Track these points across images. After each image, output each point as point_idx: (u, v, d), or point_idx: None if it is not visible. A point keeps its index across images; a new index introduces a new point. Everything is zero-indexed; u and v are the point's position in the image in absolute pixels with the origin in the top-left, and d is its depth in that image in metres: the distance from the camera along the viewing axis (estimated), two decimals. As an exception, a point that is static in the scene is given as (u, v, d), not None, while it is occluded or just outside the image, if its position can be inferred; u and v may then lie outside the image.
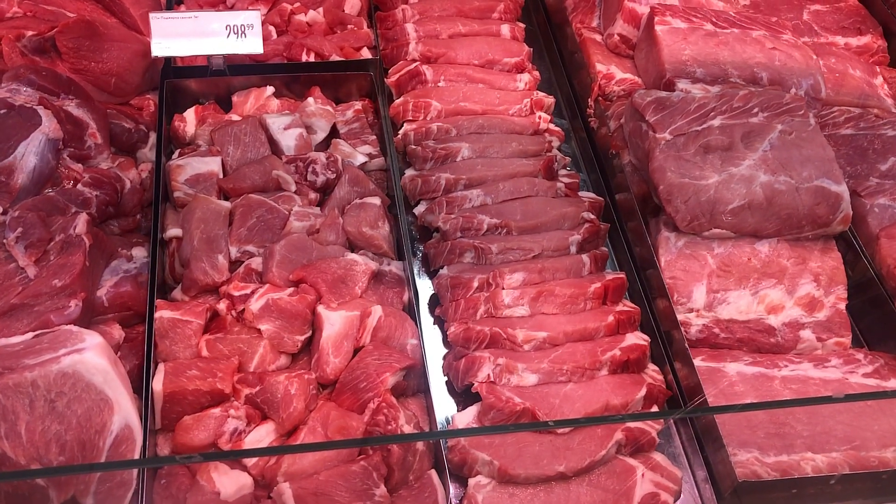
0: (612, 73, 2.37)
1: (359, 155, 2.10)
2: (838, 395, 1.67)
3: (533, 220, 2.05)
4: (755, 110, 2.08)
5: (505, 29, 2.54)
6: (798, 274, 1.97)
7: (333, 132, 2.19)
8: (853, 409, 1.75)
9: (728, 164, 1.99)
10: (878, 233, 2.02)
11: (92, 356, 1.46)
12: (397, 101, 2.34)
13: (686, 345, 1.79)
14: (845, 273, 1.99)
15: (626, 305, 1.95)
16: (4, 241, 1.64)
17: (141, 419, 1.52)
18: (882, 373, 1.84)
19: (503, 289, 1.89)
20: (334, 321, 1.72)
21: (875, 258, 2.01)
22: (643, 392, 1.76)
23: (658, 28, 2.28)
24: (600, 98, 2.34)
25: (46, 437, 1.41)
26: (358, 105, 2.23)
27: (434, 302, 2.01)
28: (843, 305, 1.95)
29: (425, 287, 2.04)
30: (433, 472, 1.60)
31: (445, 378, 1.88)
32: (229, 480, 1.51)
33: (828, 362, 1.85)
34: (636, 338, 1.86)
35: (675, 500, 1.68)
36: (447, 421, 1.78)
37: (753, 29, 2.35)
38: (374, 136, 2.18)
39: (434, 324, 1.98)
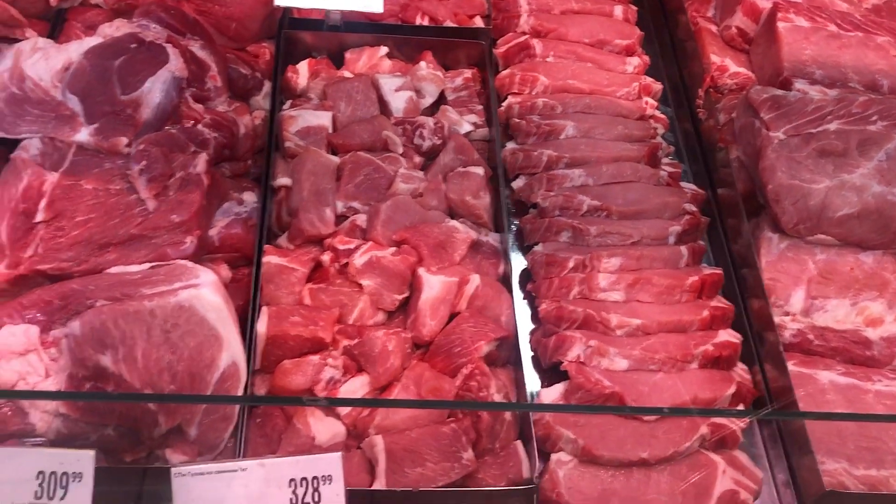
0: (727, 65, 2.33)
1: (465, 123, 2.11)
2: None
3: (634, 207, 2.04)
4: (874, 118, 2.03)
5: (618, 10, 2.51)
6: (901, 289, 1.93)
7: (441, 98, 2.20)
8: (947, 432, 1.72)
9: (840, 171, 1.95)
10: None
11: (207, 292, 1.52)
12: (504, 73, 2.33)
13: (780, 347, 1.77)
14: (949, 293, 1.95)
15: (720, 302, 1.93)
16: (128, 172, 1.69)
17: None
18: (980, 398, 1.80)
19: (600, 272, 1.89)
20: (433, 284, 1.74)
21: (983, 282, 1.95)
22: (732, 389, 1.75)
23: (780, 25, 2.23)
24: (711, 90, 2.31)
25: (160, 365, 1.47)
26: (468, 73, 2.24)
27: (525, 277, 2.02)
28: (944, 326, 1.91)
29: (518, 261, 2.05)
30: (519, 443, 1.63)
31: (531, 353, 1.89)
32: (324, 427, 1.55)
33: (924, 382, 1.82)
34: (729, 335, 1.85)
35: (754, 500, 1.68)
36: (531, 396, 1.79)
37: (878, 35, 2.28)
38: (481, 107, 2.18)
39: (524, 299, 1.99)
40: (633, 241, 1.98)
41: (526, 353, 1.89)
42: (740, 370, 1.85)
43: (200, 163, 1.73)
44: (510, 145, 2.21)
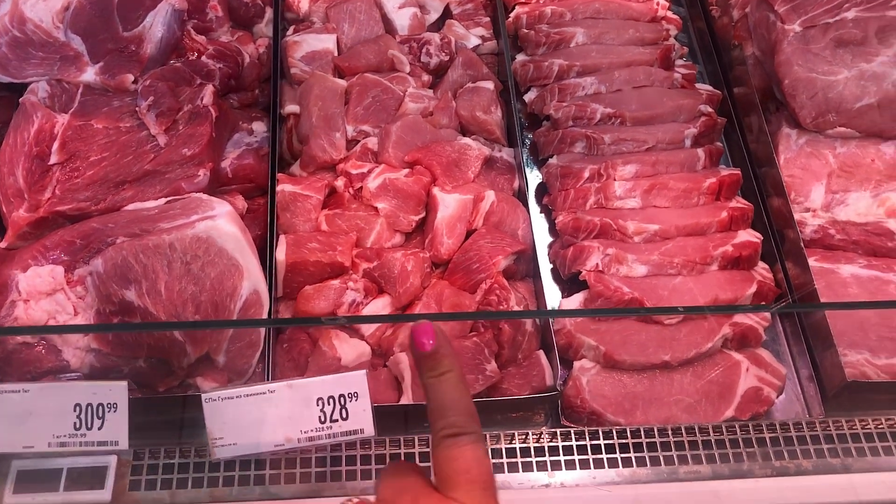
0: (739, -42, 2.24)
1: (472, 37, 2.07)
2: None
3: (648, 111, 2.00)
4: (893, 2, 1.96)
5: None
6: (924, 178, 1.90)
7: (447, 13, 2.16)
8: (971, 318, 1.71)
9: (859, 60, 1.90)
10: None
11: (224, 223, 1.53)
12: (510, -17, 2.28)
13: (801, 244, 1.76)
14: (974, 180, 1.91)
15: (739, 202, 1.91)
16: (137, 108, 1.69)
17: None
18: None
19: (615, 180, 1.87)
20: (449, 203, 1.74)
21: None
22: (753, 289, 1.75)
23: None
24: (724, -15, 2.23)
25: (183, 296, 1.50)
26: (473, -16, 2.19)
27: (541, 190, 2.01)
28: (968, 213, 1.88)
29: (533, 175, 2.04)
30: (541, 353, 1.65)
31: (551, 266, 1.90)
32: (349, 347, 1.58)
33: (947, 270, 1.81)
34: (749, 235, 1.84)
35: (777, 396, 1.69)
36: (552, 308, 1.81)
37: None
38: (488, 19, 2.14)
39: (541, 212, 1.98)
40: (649, 146, 1.96)
41: (545, 266, 1.90)
42: (762, 269, 1.84)
43: (207, 95, 1.72)
44: (520, 57, 2.17)
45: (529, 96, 2.10)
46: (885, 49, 1.91)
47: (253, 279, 1.55)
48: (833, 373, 1.64)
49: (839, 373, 1.62)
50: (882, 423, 1.62)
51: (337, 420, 1.35)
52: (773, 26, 1.97)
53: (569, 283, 1.85)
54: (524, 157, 2.05)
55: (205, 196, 1.61)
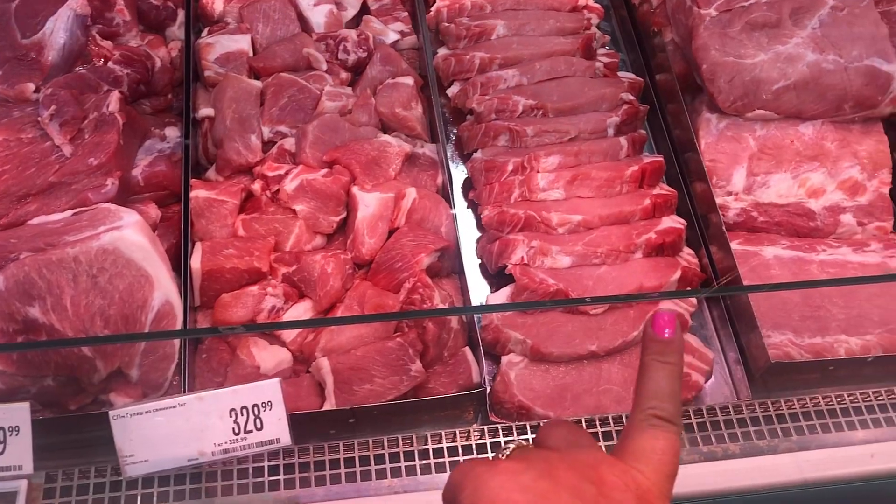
0: (656, -55, 2.25)
1: (390, 32, 2.04)
2: (870, 276, 1.65)
3: (570, 102, 1.99)
4: (807, -16, 1.98)
5: None
6: (841, 157, 1.91)
7: (364, 9, 2.12)
8: (890, 293, 1.73)
9: (775, 42, 1.91)
10: (929, 115, 1.95)
11: (130, 233, 1.48)
12: (430, -24, 2.25)
13: (723, 228, 1.77)
14: (891, 157, 1.94)
15: (662, 189, 1.92)
16: (39, 118, 1.63)
17: (180, 297, 1.55)
18: (923, 258, 1.81)
19: (538, 172, 1.86)
20: (369, 202, 1.71)
21: (924, 141, 1.94)
22: (677, 274, 1.75)
23: None
24: (643, -28, 2.23)
25: (91, 311, 1.45)
26: (390, -20, 2.16)
27: (467, 186, 1.99)
28: (886, 190, 1.91)
29: (460, 171, 2.02)
30: (467, 349, 1.63)
31: (479, 261, 1.88)
32: (268, 355, 1.55)
33: (867, 247, 1.83)
34: (672, 221, 1.84)
35: (706, 381, 1.70)
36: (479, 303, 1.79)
37: None
38: (406, 13, 2.11)
39: (468, 207, 1.96)
40: (571, 136, 1.95)
41: (473, 262, 1.88)
42: (687, 255, 1.85)
43: (113, 101, 1.67)
44: (442, 51, 2.14)
45: (452, 90, 2.08)
46: (800, 31, 1.92)
47: (164, 289, 1.50)
48: (758, 355, 1.65)
49: (763, 355, 1.62)
50: (807, 403, 1.63)
51: (251, 430, 1.31)
52: (689, 12, 1.98)
53: (496, 278, 1.83)
54: (448, 153, 2.04)
55: (112, 206, 1.56)
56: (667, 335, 0.90)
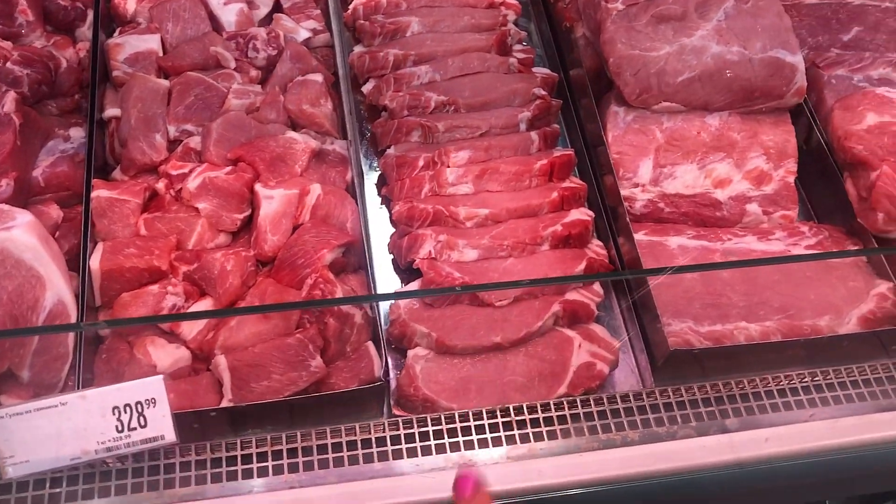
0: (570, -59, 2.27)
1: (301, 30, 2.04)
2: (759, 259, 1.68)
3: (482, 97, 2.01)
4: (712, -23, 2.00)
5: None
6: (748, 147, 1.94)
7: (278, 7, 2.12)
8: (791, 280, 1.76)
9: (680, 35, 1.93)
10: (833, 104, 1.98)
11: (20, 233, 1.47)
12: (348, -25, 2.26)
13: (628, 219, 1.79)
14: (797, 146, 1.97)
15: (572, 182, 1.93)
16: (-69, 120, 1.62)
17: (77, 297, 1.54)
18: (825, 245, 1.84)
19: (448, 167, 1.87)
20: (272, 199, 1.71)
21: (827, 130, 1.97)
22: (583, 266, 1.77)
23: None
24: (557, -32, 2.25)
25: (-21, 312, 1.43)
26: (303, -23, 2.16)
27: (383, 182, 1.99)
28: (791, 179, 1.94)
29: (376, 167, 2.02)
30: (370, 344, 1.63)
31: (392, 257, 1.89)
32: (165, 353, 1.54)
33: (772, 235, 1.85)
34: (580, 213, 1.86)
35: (610, 370, 1.71)
36: (389, 297, 1.80)
37: None
38: (319, 11, 2.11)
39: (381, 204, 1.97)
40: (482, 132, 1.96)
41: (386, 259, 1.88)
42: (595, 246, 1.86)
43: (9, 102, 1.65)
44: (357, 49, 2.15)
45: (367, 88, 2.08)
46: (705, 23, 1.95)
47: (56, 289, 1.49)
48: (659, 343, 1.67)
49: (663, 342, 1.64)
50: (708, 390, 1.65)
51: (135, 428, 1.31)
52: (598, 6, 2.00)
53: (409, 274, 1.84)
54: (363, 150, 2.05)
55: (6, 207, 1.54)
56: (469, 494, 0.95)
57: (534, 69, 2.15)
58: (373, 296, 1.66)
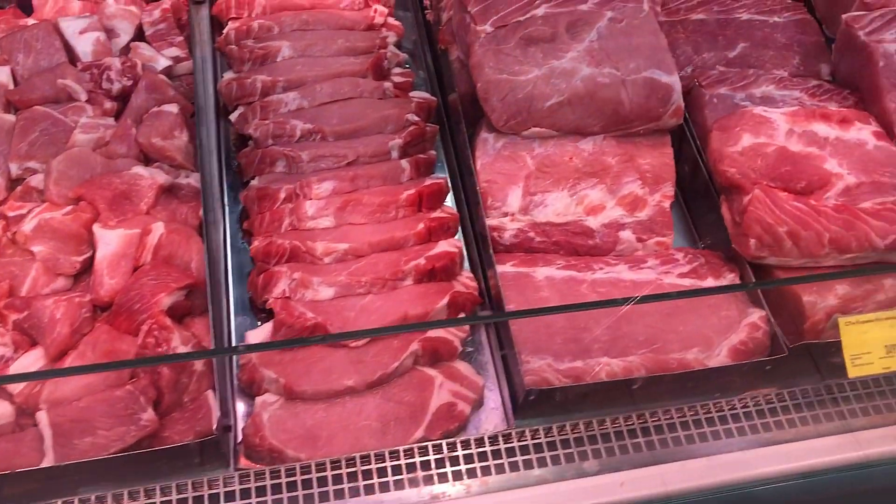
0: (449, -41, 2.20)
1: (161, 58, 1.96)
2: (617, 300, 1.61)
3: (350, 125, 1.93)
4: (584, -4, 1.94)
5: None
6: (623, 172, 1.88)
7: (140, 35, 2.04)
8: (659, 311, 1.70)
9: (550, 58, 1.87)
10: (712, 125, 1.92)
11: None
12: (222, -1, 2.18)
13: (490, 251, 1.72)
14: (675, 169, 1.91)
15: (444, 212, 1.86)
16: None
17: None
18: (700, 272, 1.78)
19: (310, 199, 1.80)
20: (110, 240, 1.63)
21: (706, 152, 1.91)
22: (445, 301, 1.69)
23: None
24: (436, -12, 2.19)
25: None
26: (166, 3, 2.07)
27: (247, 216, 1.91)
28: (667, 203, 1.88)
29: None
30: (209, 393, 1.55)
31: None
32: (-17, 410, 1.45)
33: (644, 263, 1.79)
34: (447, 245, 1.78)
35: (473, 409, 1.64)
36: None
37: None
38: (182, 38, 2.03)
39: (243, 238, 1.89)
40: (349, 161, 1.89)
41: (245, 298, 1.80)
42: (465, 278, 1.79)
43: None
44: (227, 75, 2.07)
45: (234, 116, 2.00)
46: (577, 44, 1.89)
47: None
48: (518, 381, 1.60)
49: (522, 381, 1.57)
50: (567, 430, 1.58)
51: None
52: (468, 28, 1.93)
53: (269, 314, 1.75)
54: (226, 182, 1.96)
55: None
56: None
57: (412, 93, 2.08)
58: (198, 353, 1.57)
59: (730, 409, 1.68)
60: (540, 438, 1.57)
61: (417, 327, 1.62)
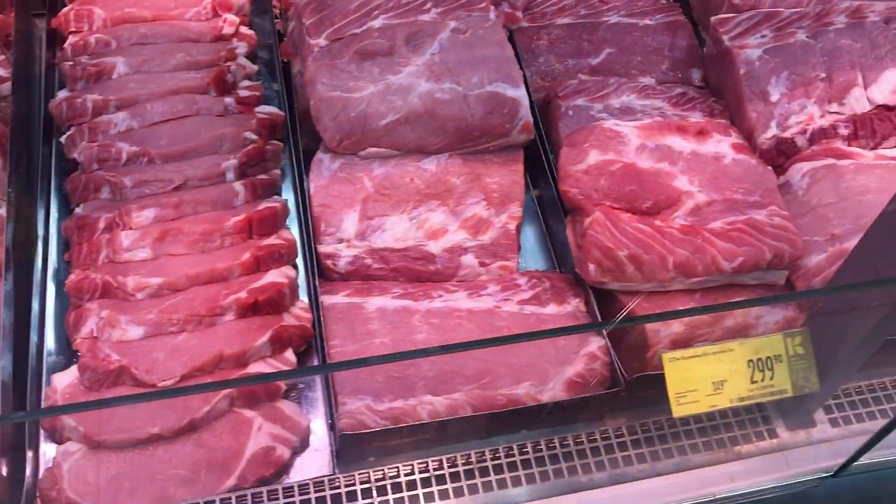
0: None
1: (-25, 80, 1.84)
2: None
3: (180, 146, 1.82)
4: (427, 5, 1.84)
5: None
6: (467, 192, 1.78)
7: (-39, 54, 1.92)
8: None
9: (387, 73, 1.77)
10: (563, 140, 1.83)
11: None
12: (61, 11, 2.05)
13: (316, 281, 1.62)
14: (526, 188, 1.82)
15: (278, 238, 1.75)
16: None
17: None
18: (542, 297, 1.69)
19: (129, 229, 1.69)
20: None
21: (556, 167, 1.82)
22: (266, 337, 1.59)
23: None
24: (287, -5, 2.07)
25: None
26: (-11, 20, 1.95)
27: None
28: (513, 225, 1.78)
29: (69, 227, 1.83)
30: (-8, 448, 1.44)
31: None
32: None
33: (484, 290, 1.70)
34: (276, 275, 1.68)
35: (295, 453, 1.55)
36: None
37: None
38: (5, 57, 1.91)
39: (65, 270, 1.77)
40: (176, 185, 1.78)
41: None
42: (299, 310, 1.69)
43: None
44: (60, 94, 1.95)
45: (64, 138, 1.89)
46: (417, 57, 1.79)
47: None
48: (336, 424, 1.50)
49: (338, 424, 1.48)
50: (384, 475, 1.49)
51: None
52: (303, 41, 1.82)
53: (83, 353, 1.65)
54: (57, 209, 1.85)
55: None
56: None
57: (259, 108, 1.97)
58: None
59: (576, 445, 1.58)
60: (368, 483, 1.48)
61: (216, 386, 1.51)
